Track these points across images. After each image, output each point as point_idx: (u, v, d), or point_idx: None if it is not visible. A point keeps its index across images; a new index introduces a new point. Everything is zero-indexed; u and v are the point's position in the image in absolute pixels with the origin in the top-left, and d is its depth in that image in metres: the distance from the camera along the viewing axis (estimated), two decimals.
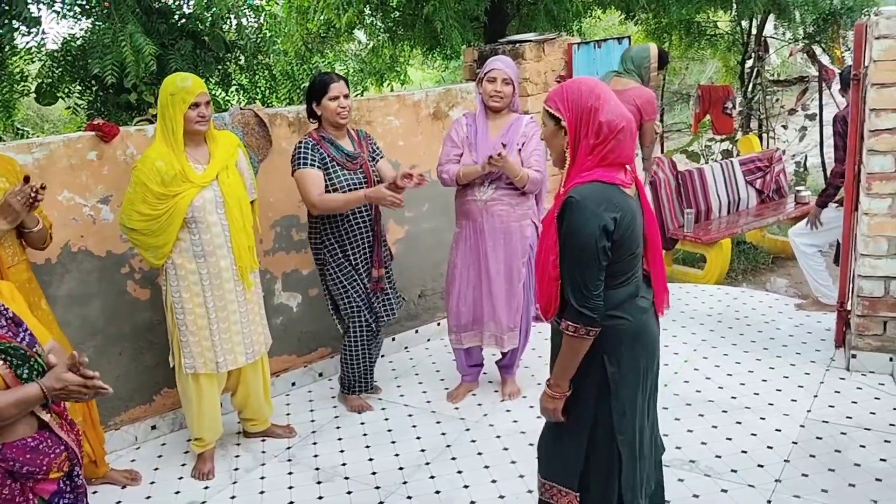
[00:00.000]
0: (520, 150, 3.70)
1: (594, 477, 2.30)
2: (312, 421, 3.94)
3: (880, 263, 3.85)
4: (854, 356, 4.02)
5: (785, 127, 8.62)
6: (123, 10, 4.36)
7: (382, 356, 4.63)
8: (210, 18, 4.82)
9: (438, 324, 4.89)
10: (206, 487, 3.40)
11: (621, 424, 2.24)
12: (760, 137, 8.61)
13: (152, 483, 3.45)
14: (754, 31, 8.69)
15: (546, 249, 2.22)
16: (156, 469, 3.57)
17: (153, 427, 3.82)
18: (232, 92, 5.73)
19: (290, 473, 3.47)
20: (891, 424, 3.50)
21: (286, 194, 4.07)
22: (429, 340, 4.90)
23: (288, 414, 4.03)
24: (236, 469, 3.53)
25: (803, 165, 8.60)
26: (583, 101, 2.12)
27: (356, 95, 6.80)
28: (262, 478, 3.45)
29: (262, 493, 3.33)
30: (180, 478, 3.49)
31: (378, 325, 3.87)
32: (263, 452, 3.66)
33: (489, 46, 5.04)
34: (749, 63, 8.82)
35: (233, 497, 3.31)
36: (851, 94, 4.00)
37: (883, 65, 3.61)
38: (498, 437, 3.66)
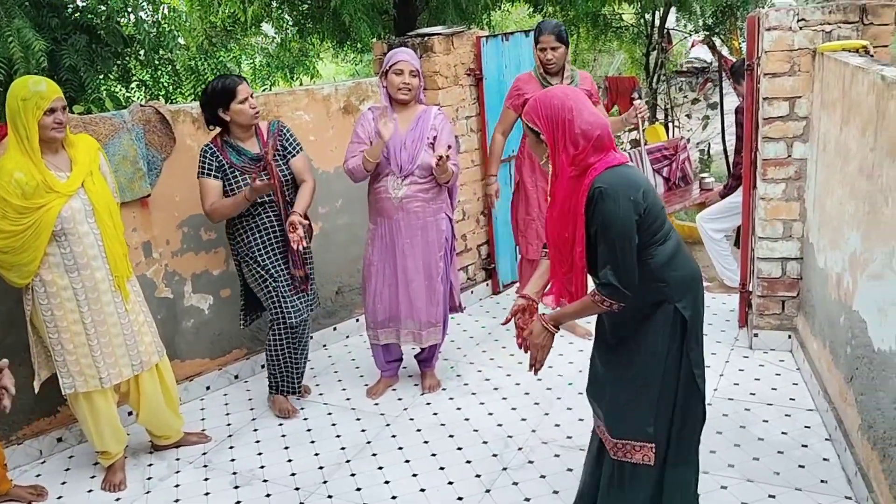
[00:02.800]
0: (431, 143, 3.69)
1: (673, 424, 2.43)
2: (228, 425, 3.85)
3: (777, 245, 4.03)
4: (756, 335, 4.21)
5: (689, 116, 8.93)
6: (10, 4, 4.12)
7: None
8: (106, 12, 4.61)
9: (357, 320, 4.86)
10: (118, 499, 3.28)
11: (698, 357, 2.41)
12: (666, 127, 8.90)
13: (60, 498, 3.31)
14: (657, 24, 8.96)
15: (570, 242, 2.29)
16: (63, 483, 3.42)
17: (59, 439, 3.66)
18: (133, 88, 5.51)
19: (207, 479, 3.38)
20: (791, 399, 3.68)
21: (193, 193, 3.93)
22: (347, 337, 4.86)
23: (203, 419, 3.93)
24: (149, 478, 3.42)
25: (707, 153, 8.94)
26: (557, 115, 2.21)
27: (264, 90, 6.66)
28: (177, 486, 3.35)
29: (177, 501, 3.24)
30: (90, 491, 3.36)
31: (298, 320, 3.73)
32: (178, 459, 3.55)
33: (398, 39, 5.01)
34: (654, 54, 9.10)
35: None
36: (746, 83, 4.16)
37: (773, 55, 3.78)
38: (418, 430, 3.66)
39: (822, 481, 3.02)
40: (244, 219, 3.60)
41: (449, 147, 3.65)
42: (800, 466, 3.12)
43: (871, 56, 3.38)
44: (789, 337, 4.14)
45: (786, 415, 3.54)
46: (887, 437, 2.55)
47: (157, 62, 5.13)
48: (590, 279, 2.36)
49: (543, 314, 2.44)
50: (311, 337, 4.21)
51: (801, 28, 3.72)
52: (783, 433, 3.39)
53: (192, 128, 3.94)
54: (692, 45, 9.90)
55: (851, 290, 3.02)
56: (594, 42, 9.53)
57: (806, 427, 3.42)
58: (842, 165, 3.17)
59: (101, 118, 3.60)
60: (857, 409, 2.93)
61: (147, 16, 4.99)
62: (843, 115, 3.17)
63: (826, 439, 3.30)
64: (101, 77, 4.71)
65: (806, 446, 3.27)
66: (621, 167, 2.24)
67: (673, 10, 9.00)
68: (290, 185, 3.66)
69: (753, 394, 3.75)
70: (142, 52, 4.93)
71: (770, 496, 2.94)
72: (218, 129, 3.59)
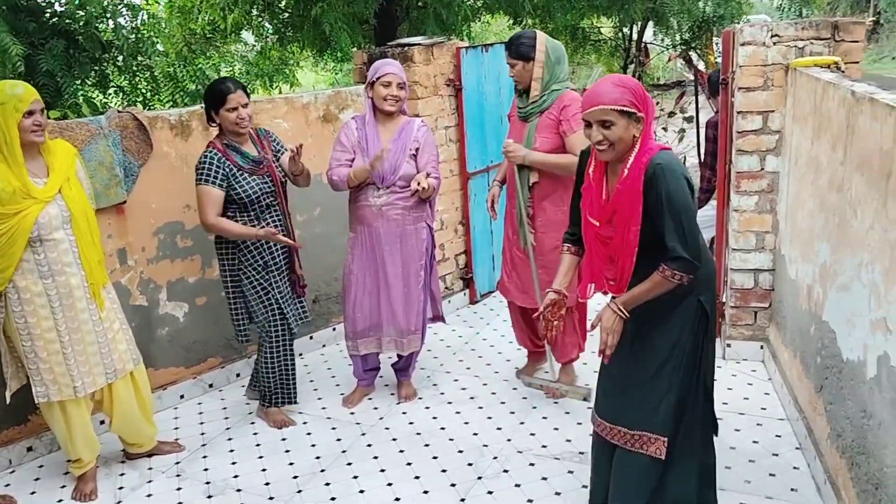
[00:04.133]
0: (414, 154, 3.71)
1: (686, 416, 2.55)
2: (202, 434, 3.82)
3: (749, 257, 4.09)
4: (729, 345, 4.26)
5: (665, 129, 9.02)
6: None
7: None
8: (84, 17, 4.58)
9: (334, 329, 4.85)
10: None
11: (714, 353, 2.60)
12: None
13: None
14: (635, 37, 9.07)
15: (626, 222, 2.39)
16: (32, 493, 3.37)
17: (29, 448, 3.61)
18: (110, 94, 5.47)
19: (179, 489, 3.35)
20: (762, 408, 3.73)
21: (169, 200, 3.94)
22: (324, 346, 4.85)
23: (176, 428, 3.89)
24: (121, 488, 3.38)
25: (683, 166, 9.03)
26: (645, 94, 2.40)
27: None
28: (149, 495, 3.32)
29: None
30: (60, 501, 3.31)
31: (293, 329, 3.77)
32: (150, 469, 3.52)
33: (379, 49, 5.03)
34: (631, 68, 9.20)
35: None
36: (721, 97, 4.23)
37: (747, 70, 3.84)
38: (394, 439, 3.66)
39: (792, 489, 3.05)
40: (254, 224, 3.55)
41: (428, 175, 3.69)
42: (770, 475, 3.16)
43: (842, 72, 3.45)
44: (761, 347, 4.19)
45: (757, 424, 3.58)
46: (855, 445, 2.59)
47: (135, 68, 5.10)
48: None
49: (614, 299, 2.48)
50: None
51: (774, 44, 3.79)
52: (754, 442, 3.43)
53: (170, 134, 3.93)
54: (669, 59, 10.04)
55: (821, 301, 3.07)
56: (573, 55, 9.62)
57: (777, 436, 3.46)
58: (813, 179, 3.22)
59: (77, 124, 3.58)
60: (827, 418, 2.98)
61: (126, 22, 4.96)
62: (814, 129, 3.23)
63: (796, 448, 3.35)
64: (78, 82, 4.67)
65: (777, 455, 3.31)
66: (670, 151, 2.42)
67: (650, 24, 9.12)
68: (285, 189, 3.69)
69: (726, 403, 3.79)
70: (120, 57, 4.89)
71: None
72: (217, 129, 3.57)
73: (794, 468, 3.20)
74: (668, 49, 9.46)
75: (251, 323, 3.75)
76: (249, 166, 3.51)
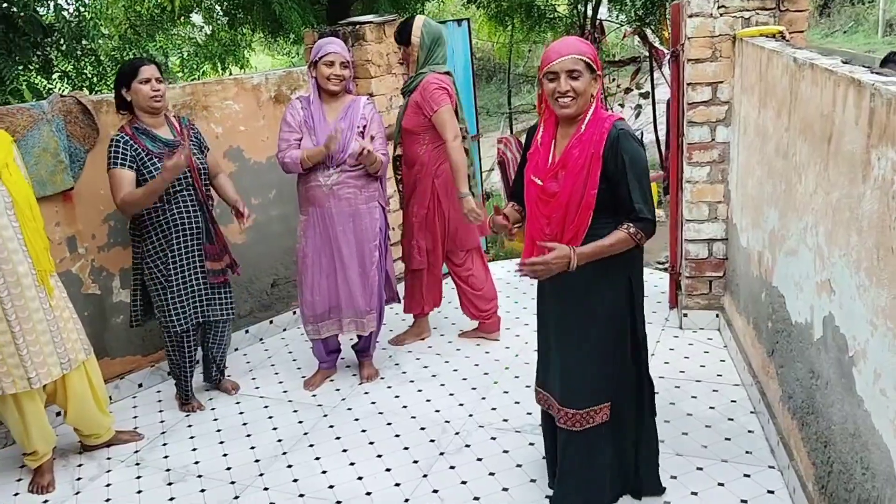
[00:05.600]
0: (362, 132, 3.68)
1: (622, 384, 2.65)
2: (162, 422, 3.78)
3: (703, 227, 4.15)
4: (685, 315, 4.33)
5: (622, 105, 9.11)
6: None
7: (236, 349, 4.52)
8: (23, 0, 4.44)
9: (294, 312, 4.81)
10: (46, 501, 3.19)
11: (643, 328, 2.66)
12: None
13: None
14: (590, 14, 9.10)
15: (579, 180, 2.41)
16: None
17: None
18: (55, 80, 5.33)
19: (139, 478, 3.31)
20: (718, 375, 3.80)
21: None
22: (284, 330, 4.82)
23: (135, 417, 3.84)
24: (79, 479, 3.33)
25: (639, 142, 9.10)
26: (598, 58, 2.45)
27: (192, 79, 6.51)
28: (108, 485, 3.27)
29: (108, 500, 3.16)
30: (16, 494, 3.25)
31: (187, 323, 3.63)
32: (108, 459, 3.47)
33: (330, 29, 4.96)
34: None
35: None
36: (671, 70, 4.26)
37: (696, 41, 3.88)
38: (356, 419, 3.65)
39: (747, 452, 3.12)
40: (159, 213, 3.46)
41: (373, 138, 3.67)
42: (726, 439, 3.23)
43: (787, 41, 3.50)
44: (717, 316, 4.27)
45: (713, 390, 3.65)
46: (805, 406, 2.66)
47: (79, 52, 4.96)
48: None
49: (575, 248, 2.44)
50: (230, 336, 4.01)
51: (721, 14, 3.83)
52: (711, 408, 3.49)
53: (117, 118, 3.80)
54: (624, 36, 10.08)
55: (771, 266, 3.13)
56: (528, 33, 9.62)
57: (732, 401, 3.53)
58: (760, 146, 3.27)
59: (18, 109, 3.47)
60: (778, 381, 3.05)
61: (68, 4, 4.82)
62: (760, 97, 3.27)
63: (751, 412, 3.42)
64: (20, 68, 4.53)
65: (732, 419, 3.38)
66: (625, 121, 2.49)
67: (605, 1, 9.14)
68: (205, 178, 3.60)
69: (683, 371, 3.85)
70: (63, 41, 4.75)
71: (698, 468, 3.03)
72: (127, 116, 3.47)
73: (749, 431, 3.27)
74: (623, 26, 9.51)
75: (147, 316, 3.71)
76: (160, 151, 3.41)
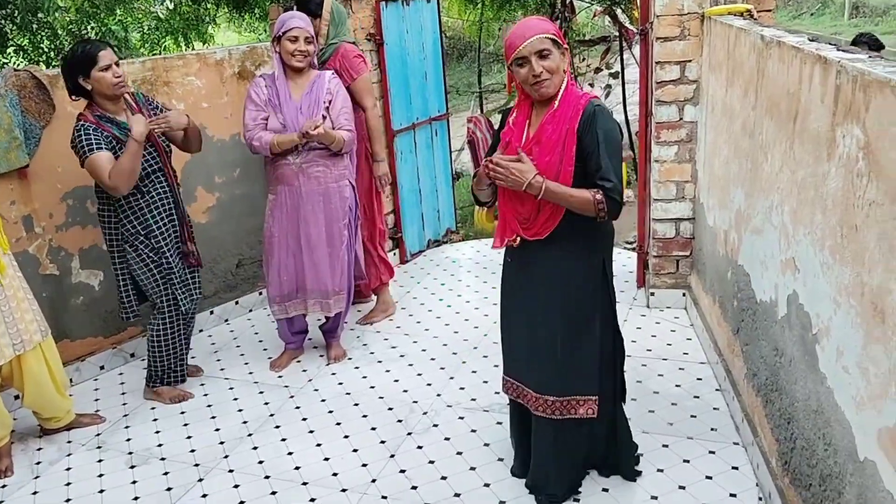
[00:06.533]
0: (328, 107, 3.62)
1: (605, 374, 2.63)
2: (124, 404, 3.71)
3: (670, 207, 4.15)
4: (653, 294, 4.34)
5: (592, 85, 9.06)
6: None
7: (201, 331, 4.45)
8: None
9: (260, 293, 4.75)
10: (4, 486, 3.12)
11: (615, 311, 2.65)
12: None
13: None
14: None
15: (561, 161, 2.37)
16: None
17: None
18: (9, 54, 5.15)
19: (100, 461, 3.25)
20: (684, 353, 3.82)
21: (77, 163, 3.73)
22: (251, 311, 4.75)
23: (97, 399, 3.77)
24: (38, 463, 3.26)
25: None
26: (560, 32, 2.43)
27: (153, 54, 6.35)
28: (69, 469, 3.21)
29: (68, 484, 3.10)
30: None
31: (191, 303, 3.63)
32: (69, 442, 3.40)
33: (295, 3, 4.85)
34: (556, 24, 9.17)
35: (35, 493, 3.06)
36: (640, 48, 4.25)
37: (664, 20, 3.86)
38: (323, 400, 3.62)
39: (712, 429, 3.15)
40: (131, 197, 3.35)
41: (324, 118, 3.57)
42: (692, 416, 3.25)
43: (755, 19, 3.49)
44: (684, 295, 4.29)
45: (679, 368, 3.68)
46: (769, 383, 2.68)
47: (35, 26, 4.79)
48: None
49: (540, 179, 2.37)
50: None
51: None
52: (677, 386, 3.52)
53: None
54: (594, 16, 10.04)
55: (737, 245, 3.14)
56: (498, 11, 9.54)
57: (698, 379, 3.56)
58: (728, 125, 3.27)
59: None
60: (743, 359, 3.07)
61: None
62: (727, 76, 3.27)
63: (716, 390, 3.45)
64: None
65: (698, 397, 3.40)
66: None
67: None
68: (170, 158, 3.50)
69: (650, 350, 3.87)
70: (17, 14, 4.59)
71: (664, 445, 3.05)
72: (83, 103, 3.32)
73: (715, 409, 3.30)
74: (592, 5, 9.47)
75: (140, 301, 3.59)
76: (126, 137, 3.23)
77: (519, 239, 2.51)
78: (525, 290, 2.59)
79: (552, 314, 2.54)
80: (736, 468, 2.88)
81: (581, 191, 2.35)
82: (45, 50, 5.01)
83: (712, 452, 2.99)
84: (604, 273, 2.56)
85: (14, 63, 5.06)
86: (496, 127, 2.71)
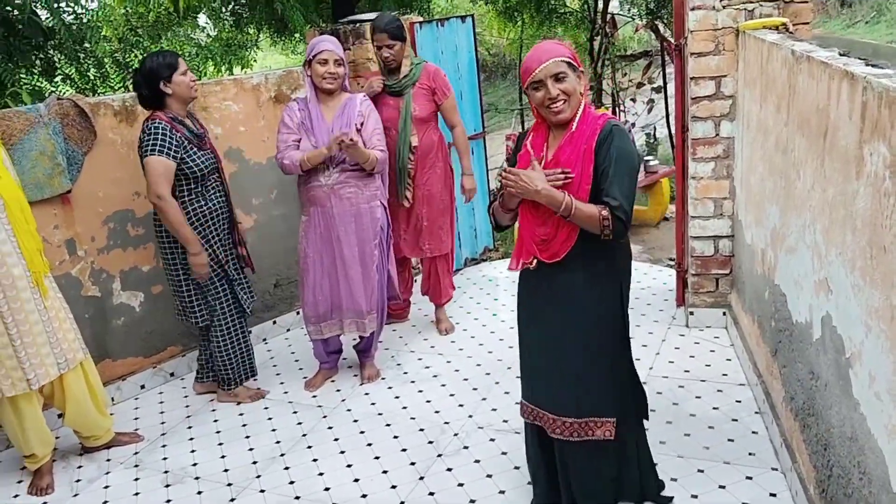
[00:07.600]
0: (359, 129, 3.66)
1: (623, 396, 2.59)
2: (162, 423, 3.78)
3: (708, 224, 4.07)
4: (692, 313, 4.25)
5: (634, 100, 8.98)
6: None
7: None
8: (23, 3, 4.44)
9: (297, 313, 4.80)
10: (45, 503, 3.19)
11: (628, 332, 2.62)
12: (613, 111, 8.94)
13: None
14: (601, 9, 8.99)
15: (579, 182, 2.35)
16: None
17: None
18: (58, 83, 5.34)
19: (137, 479, 3.31)
20: (723, 374, 3.72)
21: (118, 188, 3.86)
22: (288, 330, 4.80)
23: (136, 419, 3.85)
24: (78, 480, 3.33)
25: (653, 136, 9.01)
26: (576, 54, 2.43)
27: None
28: (107, 487, 3.27)
29: (105, 502, 3.16)
30: (16, 496, 3.26)
31: (251, 304, 3.83)
32: (108, 460, 3.47)
33: (330, 27, 4.94)
34: (598, 39, 9.12)
35: None
36: (675, 63, 4.19)
37: (698, 35, 3.80)
38: (355, 421, 3.63)
39: (750, 454, 3.05)
40: (196, 204, 3.51)
41: (359, 130, 3.65)
42: (729, 440, 3.16)
43: (791, 33, 3.42)
44: (724, 314, 4.19)
45: (718, 390, 3.58)
46: (806, 407, 2.59)
47: (80, 55, 4.96)
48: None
49: (563, 196, 2.36)
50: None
51: (724, 7, 3.75)
52: (714, 408, 3.43)
53: (114, 121, 3.84)
54: (636, 30, 9.96)
55: (773, 264, 3.06)
56: (539, 28, 9.53)
57: (737, 401, 3.46)
58: (762, 142, 3.20)
59: (14, 112, 3.48)
60: (781, 381, 2.98)
61: (67, 7, 4.81)
62: (761, 91, 3.20)
63: (755, 413, 3.35)
64: (22, 71, 4.54)
65: (736, 420, 3.31)
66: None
67: None
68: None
69: (688, 371, 3.78)
70: (64, 45, 4.76)
71: (699, 471, 2.97)
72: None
73: (753, 433, 3.21)
74: (634, 19, 9.40)
75: (207, 307, 3.70)
76: (196, 140, 3.49)
77: (535, 261, 2.48)
78: (542, 312, 2.56)
79: (569, 337, 2.50)
80: (774, 495, 2.79)
81: (588, 205, 2.32)
82: (91, 78, 5.19)
83: (749, 478, 2.90)
84: (620, 299, 2.52)
85: (63, 91, 5.25)
86: (512, 149, 2.69)
